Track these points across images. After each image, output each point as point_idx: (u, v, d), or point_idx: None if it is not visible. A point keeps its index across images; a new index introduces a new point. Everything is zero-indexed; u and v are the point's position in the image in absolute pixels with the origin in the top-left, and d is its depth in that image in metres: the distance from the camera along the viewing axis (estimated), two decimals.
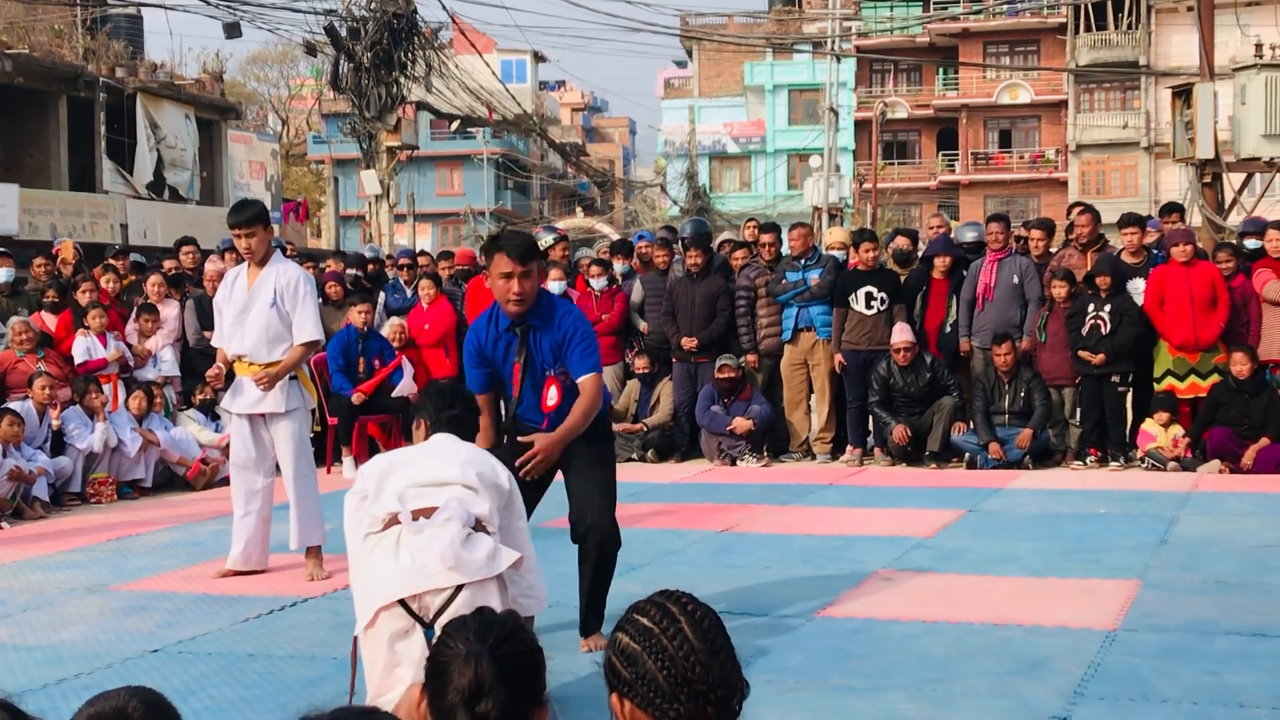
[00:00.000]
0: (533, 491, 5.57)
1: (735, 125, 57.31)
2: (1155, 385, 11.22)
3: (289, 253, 13.86)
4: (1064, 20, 49.55)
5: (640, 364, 12.43)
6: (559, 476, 5.85)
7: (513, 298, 5.47)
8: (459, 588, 4.32)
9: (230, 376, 7.55)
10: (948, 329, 11.91)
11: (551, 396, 5.60)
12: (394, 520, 4.48)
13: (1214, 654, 5.46)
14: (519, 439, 5.65)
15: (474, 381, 5.75)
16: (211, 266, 12.37)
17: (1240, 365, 10.68)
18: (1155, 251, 11.73)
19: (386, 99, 21.11)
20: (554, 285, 12.57)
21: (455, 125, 30.06)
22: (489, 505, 4.61)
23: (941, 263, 11.97)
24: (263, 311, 7.19)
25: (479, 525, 4.52)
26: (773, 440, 12.19)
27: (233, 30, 22.47)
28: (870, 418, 11.94)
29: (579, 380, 5.61)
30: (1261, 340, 11.08)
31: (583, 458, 5.65)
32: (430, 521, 4.42)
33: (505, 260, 5.46)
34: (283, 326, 7.22)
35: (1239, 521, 8.59)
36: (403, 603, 4.31)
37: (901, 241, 12.75)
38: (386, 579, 4.35)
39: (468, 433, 4.99)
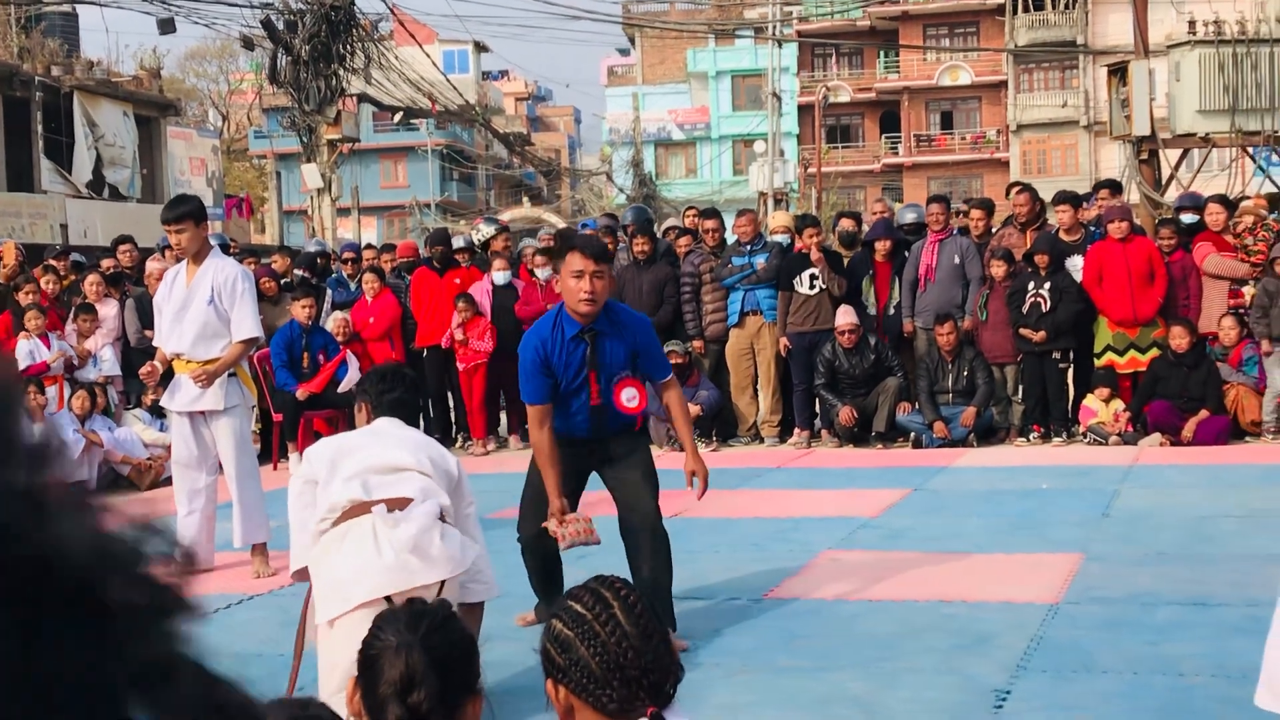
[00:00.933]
0: (575, 485, 5.72)
1: (680, 112, 57.33)
2: (1096, 361, 11.35)
3: (232, 249, 13.76)
4: (1002, 1, 49.88)
5: None
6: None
7: (584, 297, 5.32)
8: (442, 584, 4.28)
9: (169, 374, 7.50)
10: (891, 310, 11.99)
11: (632, 398, 5.55)
12: (359, 509, 4.37)
13: (1154, 624, 5.54)
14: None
15: (534, 393, 5.57)
16: (153, 265, 12.26)
17: (1179, 339, 10.82)
18: (1093, 229, 11.86)
19: (326, 92, 20.96)
20: (498, 276, 12.57)
21: (398, 117, 29.88)
22: (446, 493, 4.57)
23: (882, 246, 12.04)
24: (200, 309, 7.14)
25: (443, 516, 4.48)
26: (721, 425, 12.23)
27: (167, 26, 22.25)
28: (817, 400, 12.01)
29: (663, 382, 5.67)
30: (1201, 314, 11.23)
31: (625, 453, 5.67)
32: (406, 514, 4.34)
33: (579, 258, 5.32)
34: (221, 324, 7.17)
35: (1179, 493, 8.70)
36: (388, 600, 4.17)
37: (846, 224, 12.82)
38: (369, 573, 4.24)
39: (411, 416, 4.96)
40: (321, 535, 4.43)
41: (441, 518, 4.45)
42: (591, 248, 5.40)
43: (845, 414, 11.50)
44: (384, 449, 4.61)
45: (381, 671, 2.31)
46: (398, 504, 4.38)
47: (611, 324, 5.51)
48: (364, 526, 4.34)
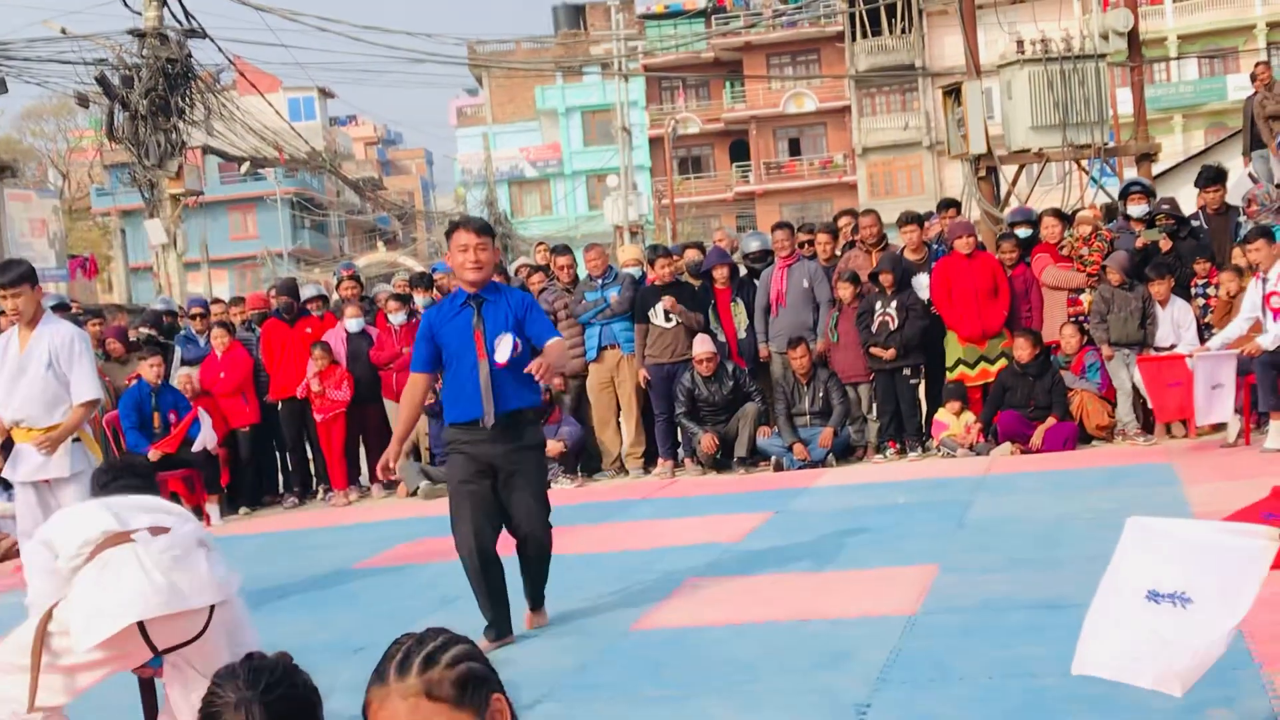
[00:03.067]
0: (495, 502, 6.21)
1: (531, 150, 57.47)
2: (948, 375, 11.62)
3: (75, 310, 13.44)
4: (841, 29, 50.97)
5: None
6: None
7: (470, 265, 6.02)
8: (212, 609, 4.10)
9: (9, 443, 7.28)
10: (743, 335, 12.13)
11: (504, 350, 5.99)
12: (115, 539, 4.09)
13: (1008, 629, 5.67)
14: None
15: (417, 359, 6.29)
16: None
17: (1023, 350, 11.13)
18: (935, 246, 12.15)
19: (166, 146, 20.58)
20: (351, 323, 12.45)
21: (244, 167, 29.40)
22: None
23: (720, 274, 12.21)
24: (38, 375, 6.95)
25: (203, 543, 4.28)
26: (585, 460, 12.25)
27: None
28: (679, 430, 12.09)
29: (548, 342, 6.11)
30: (1044, 324, 11.57)
31: (523, 471, 6.22)
32: (169, 538, 4.12)
33: (464, 234, 6.06)
34: (60, 388, 6.99)
35: (1031, 500, 8.93)
36: (141, 628, 4.00)
37: (691, 254, 12.97)
38: (141, 595, 3.99)
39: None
40: (75, 572, 4.08)
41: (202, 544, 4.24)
42: (474, 224, 6.15)
43: (707, 441, 11.60)
44: (117, 500, 4.37)
45: None
46: (158, 531, 4.16)
47: (496, 295, 6.19)
48: (126, 553, 4.08)
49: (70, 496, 7.05)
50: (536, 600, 6.58)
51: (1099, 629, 3.88)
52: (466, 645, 2.24)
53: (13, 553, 10.51)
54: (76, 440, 7.08)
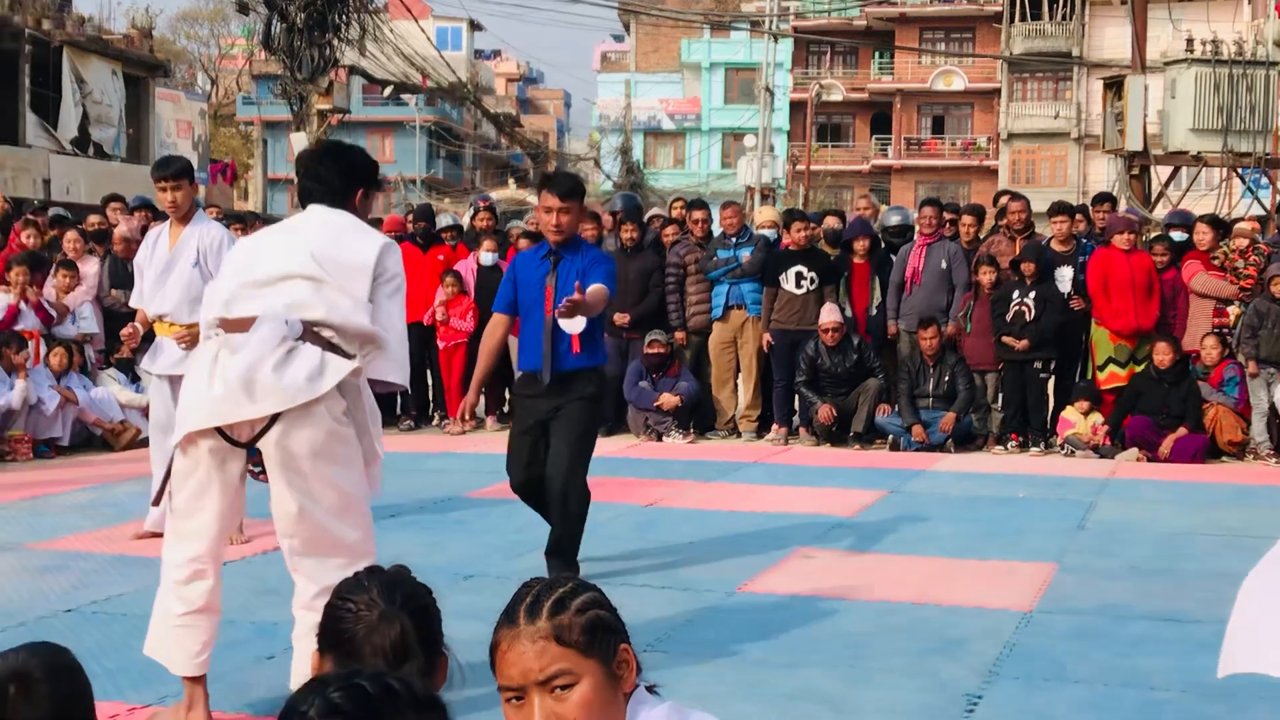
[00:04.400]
0: (542, 451, 6.24)
1: (671, 102, 57.26)
2: (1098, 374, 11.34)
3: (213, 215, 13.66)
4: (1000, 9, 49.97)
5: None
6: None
7: (552, 228, 6.20)
8: (275, 415, 4.07)
9: (150, 337, 7.43)
10: (874, 311, 11.99)
11: (576, 325, 6.07)
12: (220, 324, 4.22)
13: (1127, 637, 5.55)
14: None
15: (500, 300, 6.42)
16: (122, 228, 12.15)
17: (1163, 355, 10.84)
18: (1084, 240, 11.86)
19: (319, 61, 20.81)
20: (485, 256, 12.51)
21: (388, 91, 29.78)
22: (331, 299, 4.20)
23: (860, 245, 12.04)
24: (185, 271, 7.07)
25: (311, 331, 4.16)
26: (699, 417, 12.21)
27: None
28: (796, 398, 12.00)
29: (594, 285, 6.06)
30: (1186, 331, 11.27)
31: (565, 416, 6.21)
32: (245, 340, 4.10)
33: (548, 196, 6.22)
34: (204, 286, 7.10)
35: (1154, 509, 8.73)
36: (219, 432, 4.12)
37: (831, 221, 12.81)
38: (199, 404, 4.12)
39: (335, 196, 4.49)
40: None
41: (309, 333, 4.15)
42: (560, 186, 6.21)
43: (824, 412, 11.50)
44: (274, 253, 4.32)
45: (366, 643, 2.28)
46: (244, 325, 4.15)
47: (575, 253, 6.26)
48: (206, 353, 4.24)
49: None
50: (554, 548, 6.29)
51: (1253, 622, 3.72)
52: (596, 593, 2.21)
53: (137, 442, 10.78)
54: None
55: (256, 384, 4.05)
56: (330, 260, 4.26)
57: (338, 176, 4.49)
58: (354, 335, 4.22)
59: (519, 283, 6.31)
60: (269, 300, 4.18)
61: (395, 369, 4.39)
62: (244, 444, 4.15)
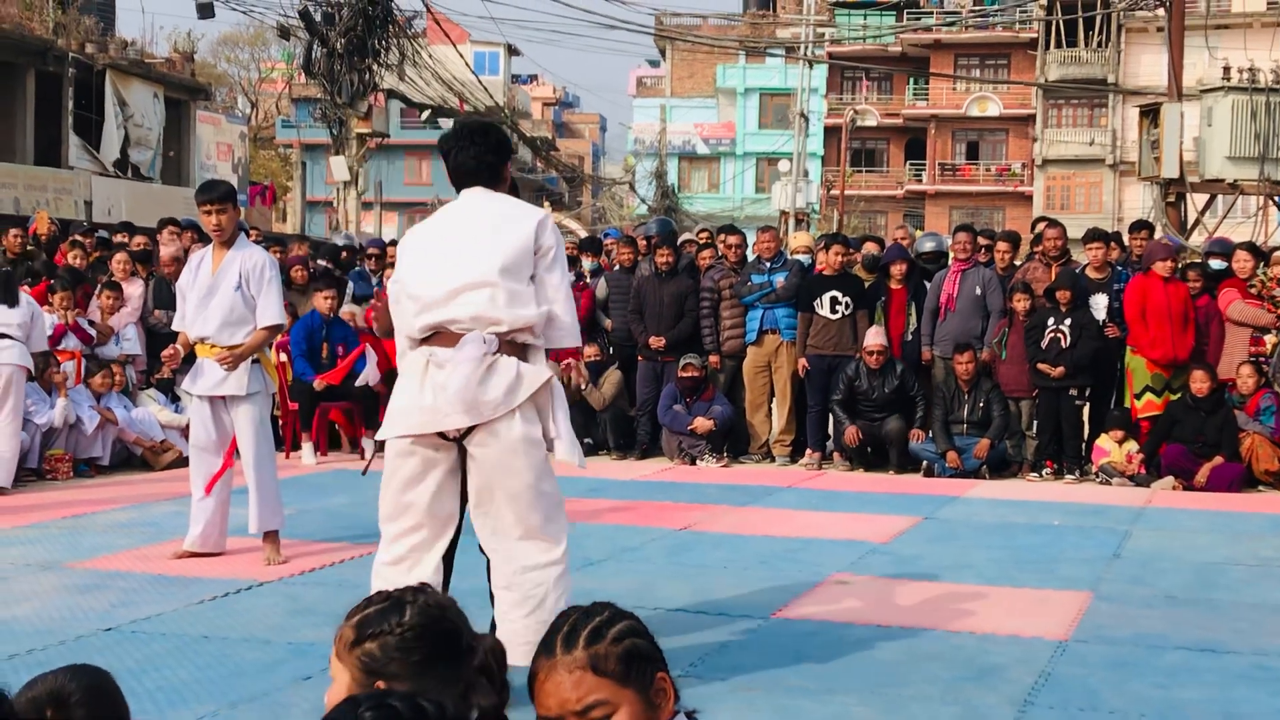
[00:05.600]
0: None
1: (705, 126, 57.39)
2: (1135, 402, 11.28)
3: (253, 237, 13.80)
4: (1035, 35, 49.90)
5: (590, 351, 12.27)
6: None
7: None
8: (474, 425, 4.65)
9: (190, 359, 7.52)
10: (909, 337, 11.98)
11: None
12: (427, 337, 4.76)
13: (1163, 668, 5.53)
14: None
15: None
16: (167, 250, 12.29)
17: (1200, 383, 10.78)
18: (1119, 268, 11.83)
19: (359, 85, 21.02)
20: None
21: (426, 115, 29.94)
22: (506, 304, 4.69)
23: (897, 270, 12.04)
24: (227, 294, 7.15)
25: (504, 342, 4.69)
26: (733, 441, 12.23)
27: (206, 11, 22.34)
28: (830, 422, 12.00)
29: None
30: (1222, 359, 11.21)
31: None
32: (453, 356, 4.64)
33: None
34: (246, 310, 7.19)
35: (1191, 538, 8.68)
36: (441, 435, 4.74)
37: (870, 247, 12.82)
38: (412, 410, 4.71)
39: (492, 176, 4.95)
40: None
41: (504, 344, 4.69)
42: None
43: (850, 434, 11.49)
44: (449, 262, 4.76)
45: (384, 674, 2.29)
46: (449, 340, 4.69)
47: None
48: (418, 362, 4.74)
49: (244, 415, 7.26)
50: None
51: None
52: (633, 621, 2.23)
53: (177, 463, 10.87)
54: (255, 362, 7.28)
55: (463, 398, 4.61)
56: (498, 257, 4.71)
57: (491, 154, 4.94)
58: (533, 327, 4.76)
59: None
60: (454, 312, 4.70)
61: (566, 336, 4.88)
62: (451, 439, 4.74)
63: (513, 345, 4.73)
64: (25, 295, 10.09)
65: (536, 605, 4.75)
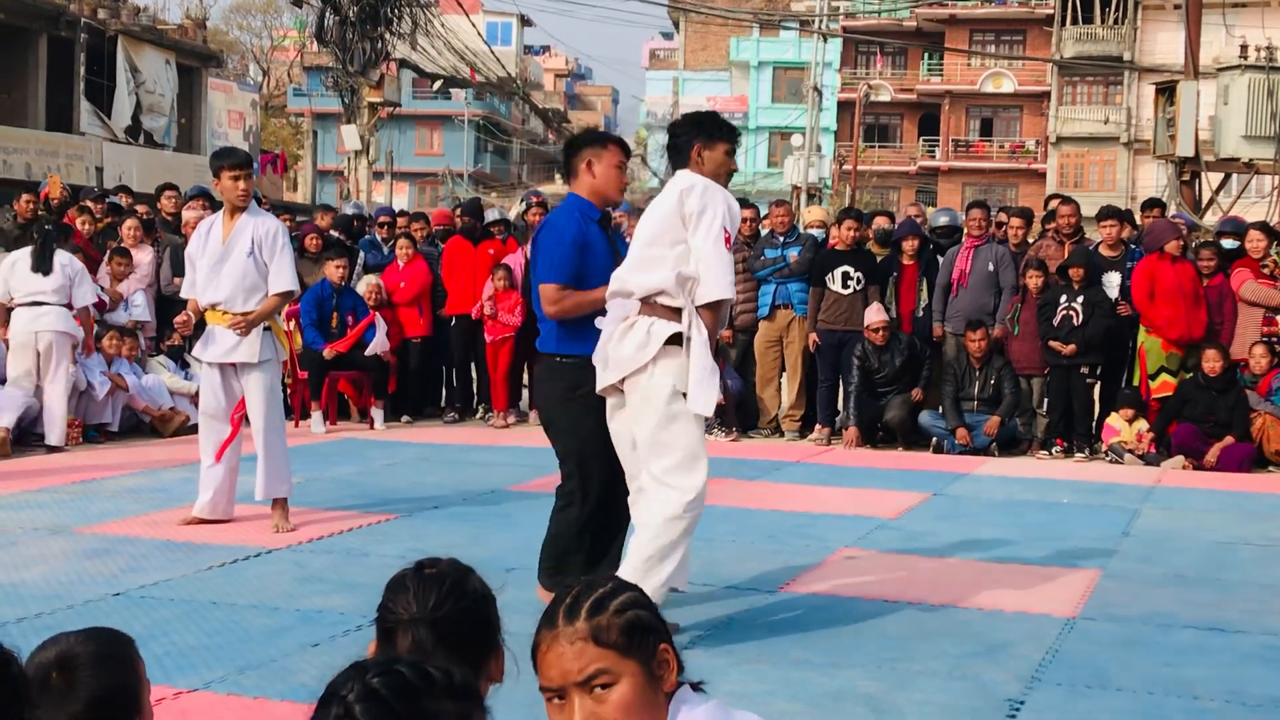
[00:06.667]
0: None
1: (718, 100, 57.14)
2: (1150, 383, 11.23)
3: (262, 205, 13.79)
4: (1051, 12, 49.60)
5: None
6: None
7: (623, 186, 5.96)
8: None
9: (201, 325, 7.51)
10: (920, 313, 11.94)
11: None
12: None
13: (1171, 646, 5.52)
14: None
15: (570, 272, 5.57)
16: (188, 214, 12.27)
17: (1212, 362, 10.73)
18: (1133, 246, 11.77)
19: (371, 54, 20.96)
20: None
21: (438, 85, 29.82)
22: (639, 272, 5.17)
23: (909, 245, 11.99)
24: (240, 260, 7.14)
25: (646, 304, 5.15)
26: (742, 415, 12.21)
27: None
28: (840, 398, 11.98)
29: None
30: (1235, 339, 11.16)
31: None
32: (605, 319, 5.30)
33: (619, 153, 5.84)
34: (259, 276, 7.18)
35: (1200, 517, 8.67)
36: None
37: (881, 221, 12.77)
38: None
39: (679, 158, 5.38)
40: None
41: (646, 305, 5.16)
42: (624, 143, 6.02)
43: (850, 435, 11.47)
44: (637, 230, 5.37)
45: (395, 643, 2.32)
46: (621, 294, 5.27)
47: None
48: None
49: (255, 382, 7.26)
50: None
51: None
52: (636, 593, 2.22)
53: (185, 429, 10.89)
54: (267, 329, 7.27)
55: (604, 357, 5.28)
56: (645, 230, 5.27)
57: (680, 138, 5.40)
58: (665, 289, 5.15)
59: (589, 250, 5.63)
60: (623, 278, 5.26)
61: (712, 290, 5.12)
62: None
63: (654, 306, 5.16)
64: (61, 256, 10.17)
65: (648, 539, 5.22)
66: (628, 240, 5.84)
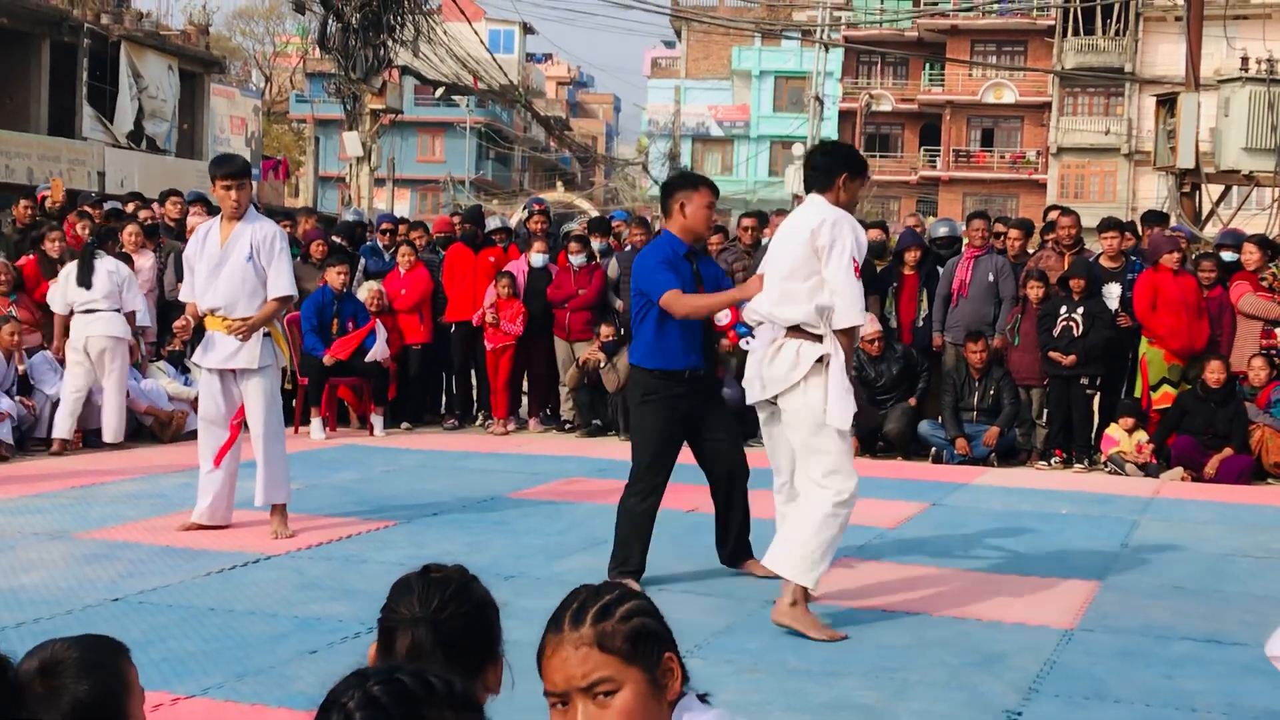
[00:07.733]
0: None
1: (720, 109, 57.25)
2: (1152, 395, 11.23)
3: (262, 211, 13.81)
4: (1052, 23, 49.65)
5: (606, 331, 12.21)
6: None
7: (712, 222, 6.77)
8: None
9: (200, 331, 7.51)
10: (920, 324, 11.94)
11: (723, 316, 6.52)
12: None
13: (1169, 657, 5.52)
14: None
15: (674, 279, 6.35)
16: (194, 220, 12.28)
17: (1216, 373, 10.73)
18: (1133, 257, 11.78)
19: (373, 61, 20.98)
20: (536, 258, 12.54)
21: (440, 92, 29.88)
22: (788, 300, 5.72)
23: (911, 256, 11.99)
24: (239, 265, 7.15)
25: (791, 329, 5.73)
26: (743, 425, 12.17)
27: None
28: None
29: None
30: (1234, 352, 11.16)
31: (721, 409, 6.88)
32: (754, 342, 6.04)
33: (710, 194, 6.48)
34: (258, 281, 7.19)
35: (1199, 529, 8.66)
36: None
37: (873, 234, 12.76)
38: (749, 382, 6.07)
39: (821, 182, 5.85)
40: None
41: (792, 330, 5.77)
42: (715, 188, 6.58)
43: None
44: (773, 255, 5.96)
45: (394, 644, 2.33)
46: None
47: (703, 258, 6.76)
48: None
49: (254, 388, 7.26)
50: (742, 535, 7.00)
51: None
52: (642, 601, 2.23)
53: (184, 434, 10.89)
54: (267, 335, 7.28)
55: (755, 375, 5.98)
56: (784, 264, 5.79)
57: (823, 162, 5.87)
58: (810, 320, 5.71)
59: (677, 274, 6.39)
60: (759, 304, 5.87)
61: (845, 317, 5.70)
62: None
63: (799, 331, 5.75)
64: (108, 263, 10.61)
65: (809, 534, 5.75)
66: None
